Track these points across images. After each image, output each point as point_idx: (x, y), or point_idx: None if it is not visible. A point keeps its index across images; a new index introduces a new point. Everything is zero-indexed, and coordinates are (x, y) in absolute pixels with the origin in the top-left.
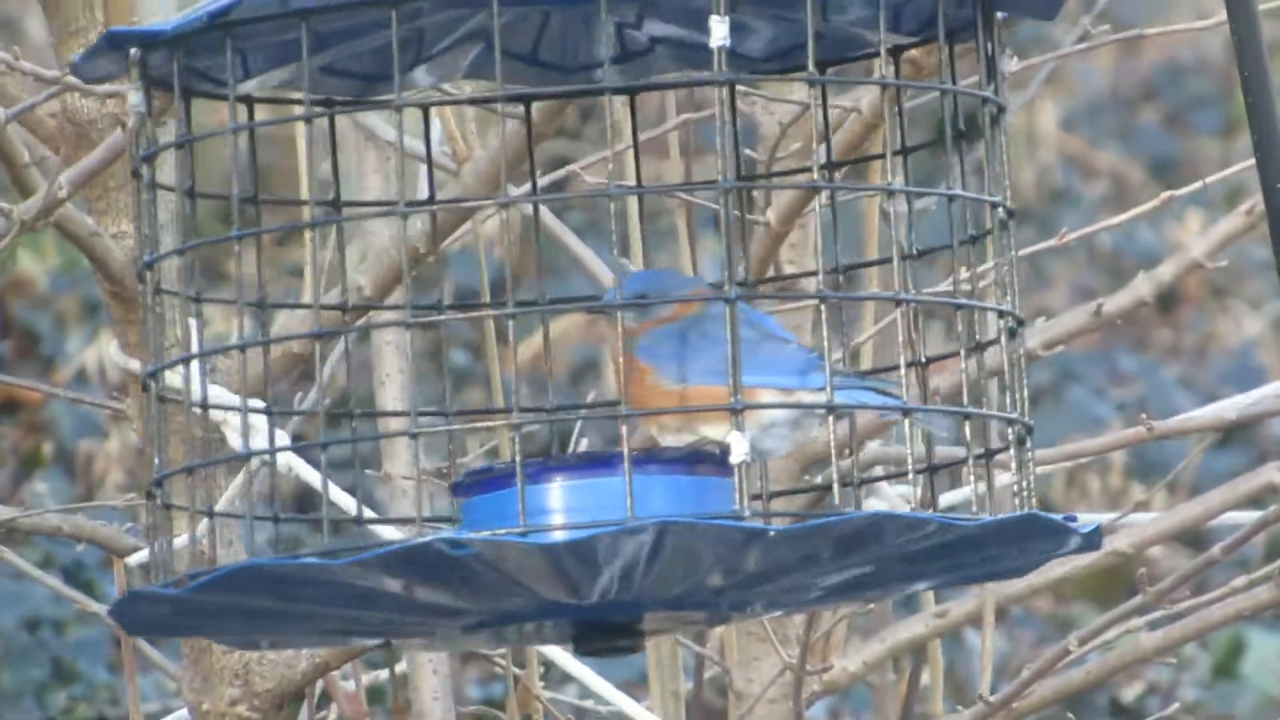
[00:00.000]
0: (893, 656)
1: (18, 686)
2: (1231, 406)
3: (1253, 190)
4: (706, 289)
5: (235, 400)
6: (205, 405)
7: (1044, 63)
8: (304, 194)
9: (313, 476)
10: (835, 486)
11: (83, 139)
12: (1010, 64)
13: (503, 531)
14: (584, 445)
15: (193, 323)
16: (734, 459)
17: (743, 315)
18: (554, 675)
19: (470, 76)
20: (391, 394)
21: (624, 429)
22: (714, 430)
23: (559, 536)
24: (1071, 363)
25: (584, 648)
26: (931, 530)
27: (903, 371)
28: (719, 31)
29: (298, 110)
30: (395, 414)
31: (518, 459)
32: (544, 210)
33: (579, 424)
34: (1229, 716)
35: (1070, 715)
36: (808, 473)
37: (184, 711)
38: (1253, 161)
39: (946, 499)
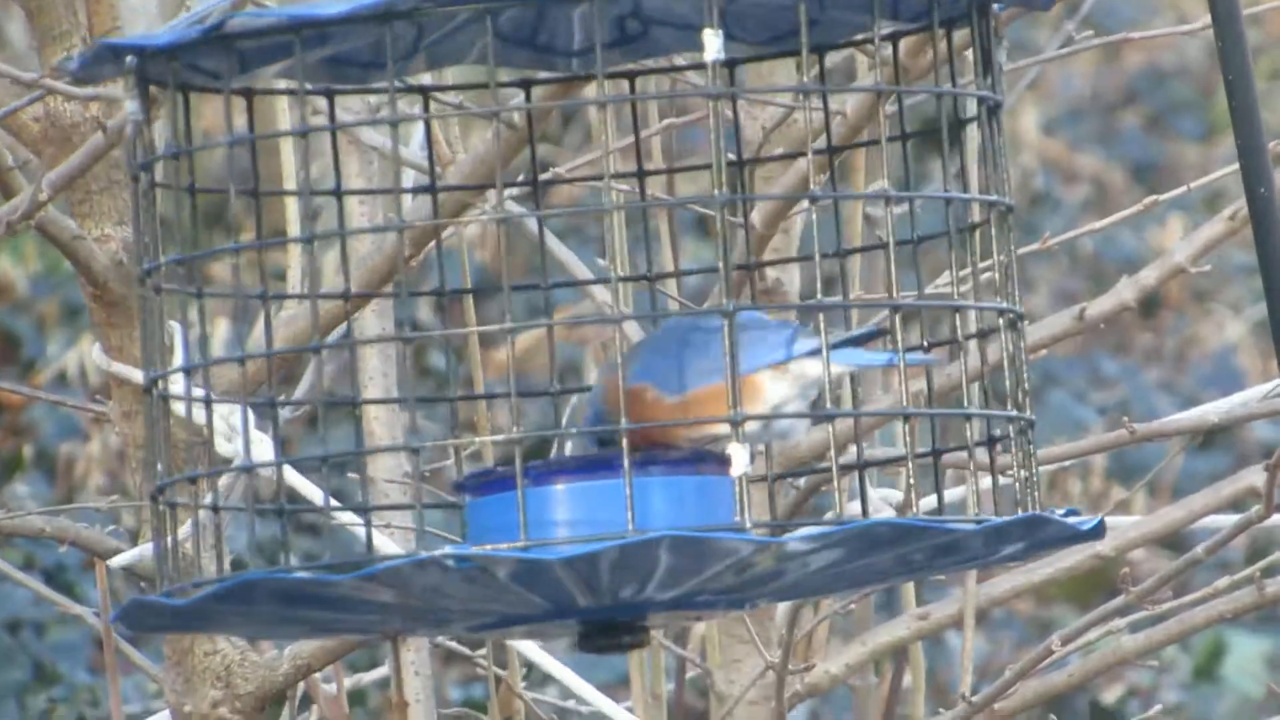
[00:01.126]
0: (874, 659)
1: None
2: (1214, 410)
3: (1233, 195)
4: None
5: (224, 405)
6: (209, 408)
7: (1027, 66)
8: (290, 198)
9: (302, 482)
10: (836, 490)
11: (65, 142)
12: (1004, 55)
13: (505, 546)
14: (569, 446)
15: (176, 326)
16: (735, 471)
17: (704, 325)
18: (535, 676)
19: (475, 62)
20: (375, 397)
21: (625, 442)
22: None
23: (561, 551)
24: (1053, 366)
25: (588, 645)
26: (937, 534)
27: (900, 379)
28: (713, 45)
29: (291, 99)
30: (386, 400)
31: (519, 470)
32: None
33: (565, 422)
34: (1209, 718)
35: (1052, 717)
36: (791, 476)
37: (165, 713)
38: (1235, 166)
39: (929, 501)
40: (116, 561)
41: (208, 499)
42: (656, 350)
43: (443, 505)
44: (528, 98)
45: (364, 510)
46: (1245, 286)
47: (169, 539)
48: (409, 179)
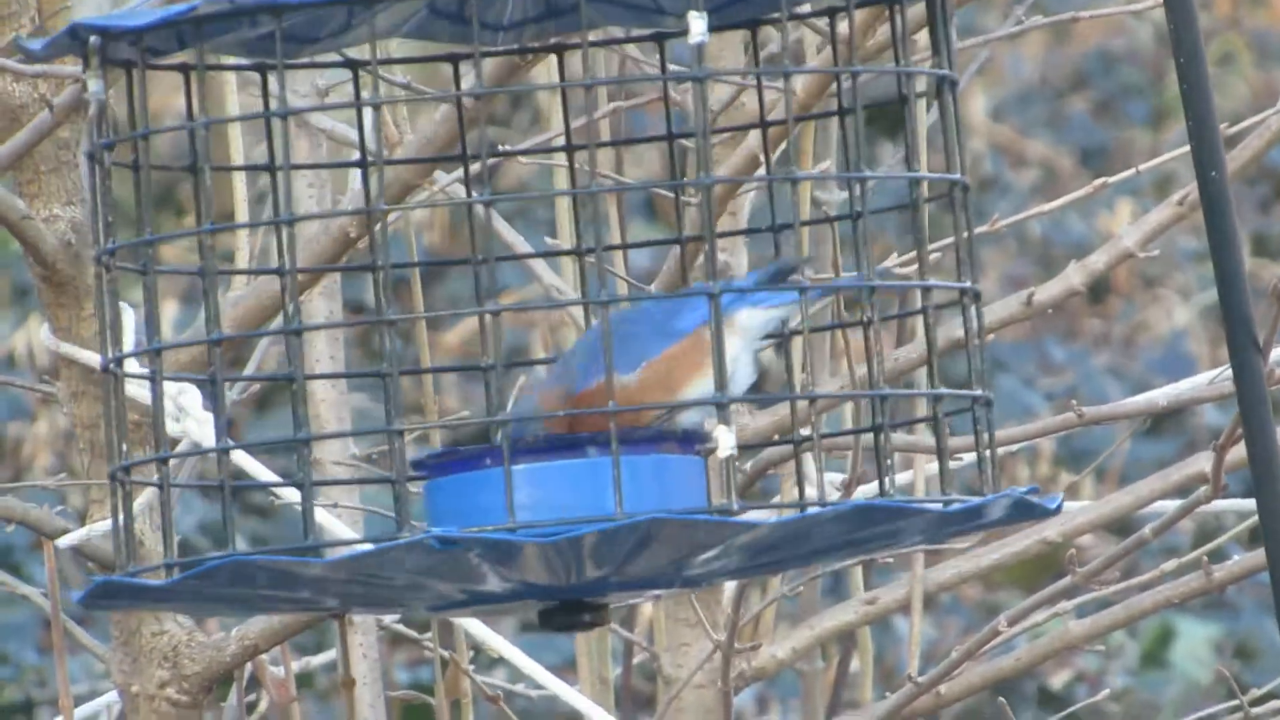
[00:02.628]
0: (821, 643)
1: None
2: (1163, 394)
3: (1183, 180)
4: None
5: (173, 385)
6: (156, 388)
7: (975, 49)
8: (235, 178)
9: (250, 463)
10: (818, 475)
11: (13, 122)
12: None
13: (491, 529)
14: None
15: (127, 308)
16: (722, 453)
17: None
18: (483, 659)
19: (408, 36)
20: (322, 380)
21: (613, 425)
22: (696, 389)
23: (547, 533)
24: (1001, 352)
25: (548, 624)
26: (915, 514)
27: (876, 359)
28: (697, 27)
29: (228, 78)
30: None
31: (506, 454)
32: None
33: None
34: (1156, 704)
35: (1000, 700)
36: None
37: (113, 694)
38: (1185, 149)
39: (872, 487)
40: (64, 541)
41: (154, 479)
42: (590, 349)
43: (381, 481)
44: (478, 75)
45: (301, 486)
46: (1194, 272)
47: (127, 519)
48: (356, 158)
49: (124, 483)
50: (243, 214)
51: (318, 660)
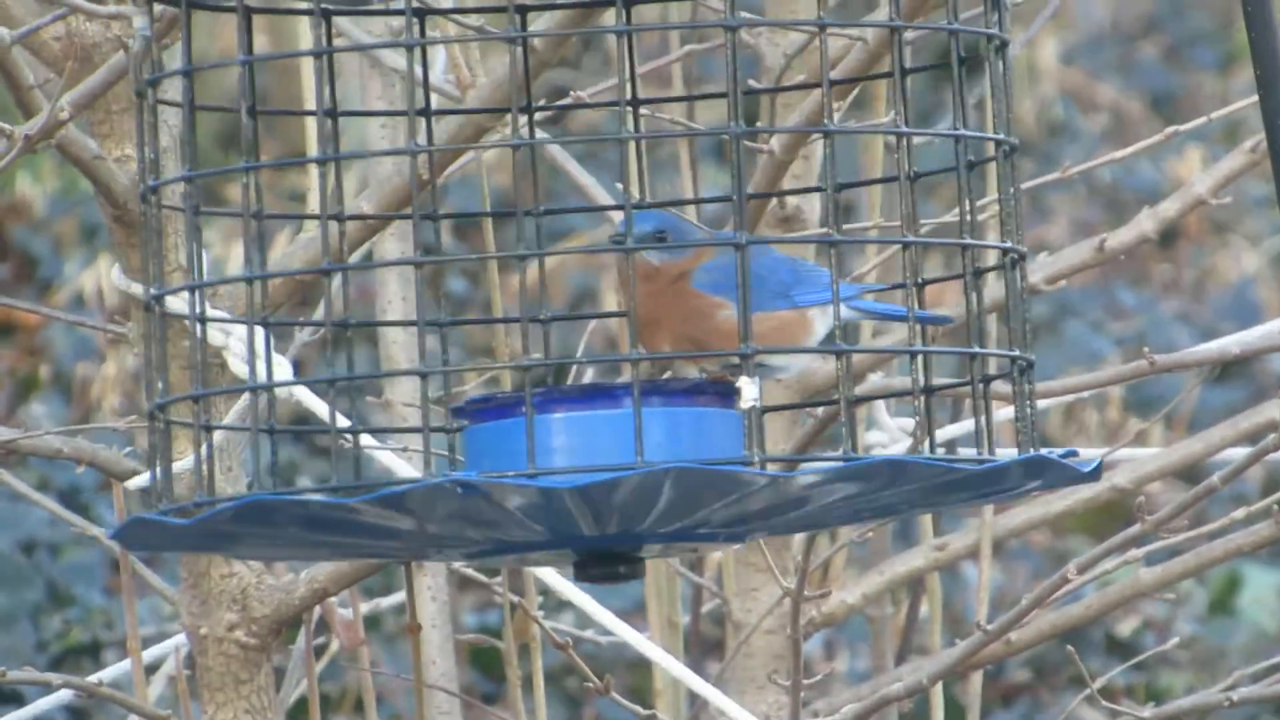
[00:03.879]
0: (891, 589)
1: (13, 609)
2: (1236, 341)
3: (1251, 126)
4: (715, 235)
5: (237, 325)
6: (204, 324)
7: None
8: (309, 116)
9: (316, 403)
10: (845, 422)
11: (86, 62)
12: None
13: (512, 474)
14: (588, 374)
15: (196, 248)
16: (744, 404)
17: (761, 247)
18: (551, 603)
19: None
20: (395, 319)
21: (635, 371)
22: (774, 357)
23: (568, 480)
24: (1070, 297)
25: (583, 574)
26: (942, 472)
27: (911, 303)
28: None
29: (300, 19)
30: (401, 322)
31: (529, 398)
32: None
33: (580, 353)
34: (1224, 651)
35: (1069, 648)
36: (807, 406)
37: (181, 636)
38: (1254, 98)
39: (945, 433)
40: (133, 483)
41: (224, 422)
42: (726, 272)
43: (452, 430)
44: (535, 10)
45: (354, 433)
46: (1264, 218)
47: (165, 455)
48: (432, 102)
49: (160, 420)
50: (312, 154)
51: (386, 603)
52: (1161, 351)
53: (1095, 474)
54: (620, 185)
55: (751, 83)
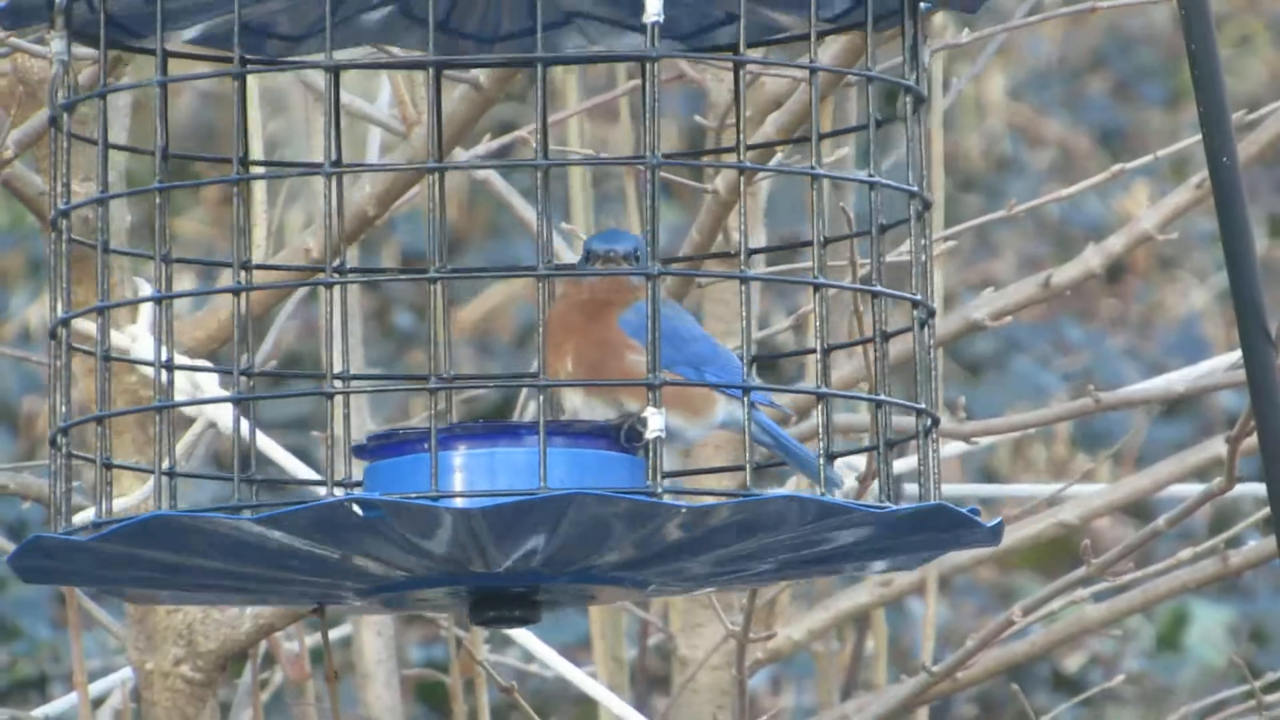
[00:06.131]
0: (837, 625)
1: None
2: (1180, 379)
3: (1200, 162)
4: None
5: (182, 359)
6: (111, 355)
7: (994, 34)
8: (235, 151)
9: (267, 443)
10: (747, 468)
11: (32, 99)
12: (960, 35)
13: (414, 495)
14: (530, 410)
15: (142, 282)
16: (649, 434)
17: (688, 315)
18: (496, 638)
19: (380, 41)
20: (337, 354)
21: (541, 399)
22: (676, 419)
23: (471, 502)
24: (1017, 332)
25: (478, 617)
26: (841, 516)
27: (818, 357)
28: (653, 7)
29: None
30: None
31: (433, 423)
32: (492, 173)
33: (524, 391)
34: (1171, 688)
35: (1014, 685)
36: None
37: (127, 670)
38: (1199, 136)
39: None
40: (79, 519)
41: (178, 455)
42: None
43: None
44: (467, 67)
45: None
46: (1210, 254)
47: (66, 481)
48: (376, 138)
49: (61, 446)
50: (259, 194)
51: (332, 635)
52: (1108, 388)
53: (997, 534)
54: (569, 225)
55: (699, 119)
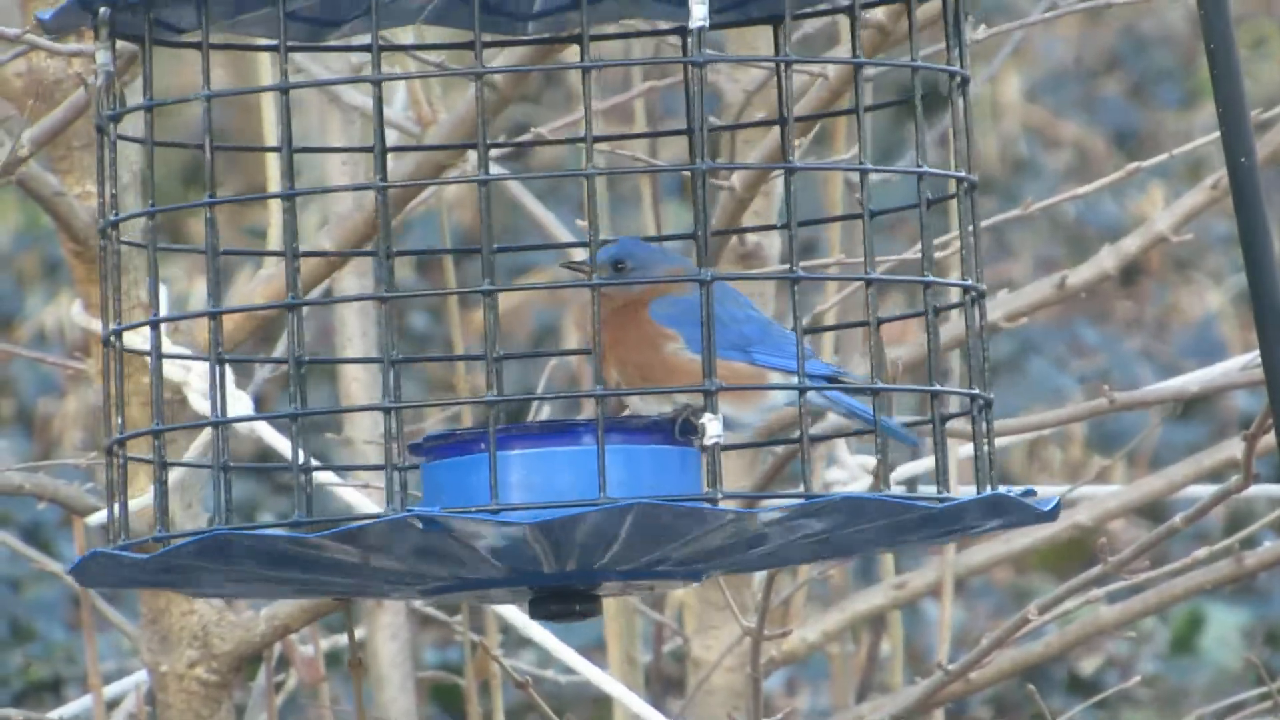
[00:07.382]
0: (852, 626)
1: None
2: (1194, 379)
3: (1215, 163)
4: (685, 263)
5: (197, 361)
6: (162, 360)
7: (1009, 31)
8: (269, 155)
9: (276, 439)
10: (804, 459)
11: (47, 99)
12: (975, 32)
13: (474, 510)
14: (545, 409)
15: (162, 286)
16: (708, 440)
17: (734, 295)
18: (511, 640)
19: (428, 22)
20: (355, 357)
21: (600, 407)
22: (728, 407)
23: (530, 516)
24: (1033, 334)
25: (540, 612)
26: (902, 511)
27: (871, 344)
28: (699, 13)
29: (260, 55)
30: (363, 359)
31: (492, 434)
32: (505, 174)
33: (541, 389)
34: (1186, 690)
35: (1030, 686)
36: (767, 445)
37: (142, 672)
38: (1217, 135)
39: (906, 470)
40: (94, 519)
41: (186, 458)
42: (686, 305)
43: (404, 468)
44: (505, 46)
45: (304, 470)
46: (1226, 256)
47: (122, 492)
48: (391, 139)
49: (119, 456)
50: (274, 190)
51: (347, 639)
52: (1124, 389)
53: (1054, 513)
54: (582, 221)
55: (713, 119)
